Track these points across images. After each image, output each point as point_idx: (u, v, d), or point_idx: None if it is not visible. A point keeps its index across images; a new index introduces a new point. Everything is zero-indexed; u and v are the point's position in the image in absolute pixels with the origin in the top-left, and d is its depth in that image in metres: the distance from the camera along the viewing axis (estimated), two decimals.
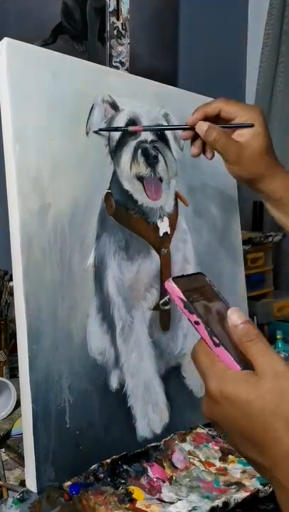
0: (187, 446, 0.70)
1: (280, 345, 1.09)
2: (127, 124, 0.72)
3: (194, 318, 0.45)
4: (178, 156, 0.79)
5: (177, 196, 0.78)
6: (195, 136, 0.68)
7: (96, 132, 0.68)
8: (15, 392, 0.82)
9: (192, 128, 0.66)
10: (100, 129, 0.68)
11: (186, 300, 0.46)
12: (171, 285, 0.47)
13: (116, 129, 0.70)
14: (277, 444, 0.40)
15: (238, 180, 0.69)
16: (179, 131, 0.79)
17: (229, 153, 0.64)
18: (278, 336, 1.11)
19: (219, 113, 0.65)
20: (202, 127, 0.64)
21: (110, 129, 0.69)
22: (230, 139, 0.64)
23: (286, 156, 1.57)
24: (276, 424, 0.40)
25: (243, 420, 0.41)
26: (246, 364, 0.43)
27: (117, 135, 0.71)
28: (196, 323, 0.45)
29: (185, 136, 0.68)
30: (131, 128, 0.70)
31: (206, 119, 0.65)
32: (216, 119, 0.65)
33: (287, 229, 0.70)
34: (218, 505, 0.59)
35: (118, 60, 1.13)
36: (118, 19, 1.11)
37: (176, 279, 0.47)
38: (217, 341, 0.44)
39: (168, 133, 0.77)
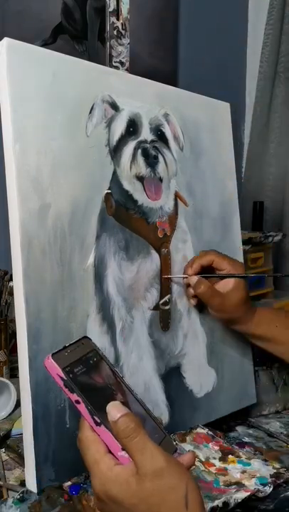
0: (187, 446, 0.71)
1: None
2: (127, 124, 0.72)
3: (75, 397, 0.44)
4: (178, 156, 0.79)
5: (177, 196, 0.78)
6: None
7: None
8: (15, 392, 0.82)
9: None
10: None
11: (65, 378, 0.45)
12: (50, 363, 0.45)
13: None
14: None
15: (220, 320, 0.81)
16: (179, 131, 0.80)
17: (213, 303, 0.76)
18: None
19: (212, 263, 0.77)
20: (192, 280, 0.75)
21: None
22: (214, 291, 0.75)
23: (286, 157, 1.58)
24: None
25: None
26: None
27: (117, 135, 0.71)
28: (77, 402, 0.44)
29: (186, 282, 0.78)
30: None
31: (201, 267, 0.76)
32: (208, 268, 0.77)
33: (284, 357, 0.80)
34: (218, 505, 0.59)
35: (118, 60, 1.13)
36: (118, 19, 1.11)
37: (56, 355, 0.46)
38: (98, 420, 0.44)
39: (168, 133, 0.77)
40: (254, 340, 0.81)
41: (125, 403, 0.47)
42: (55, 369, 0.45)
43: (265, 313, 0.80)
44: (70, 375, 0.45)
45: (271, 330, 0.78)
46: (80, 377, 0.45)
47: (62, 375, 0.45)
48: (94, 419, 0.44)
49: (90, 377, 0.46)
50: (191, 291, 0.77)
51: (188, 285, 0.77)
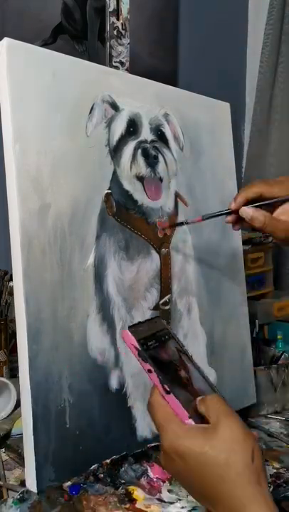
0: None
1: (280, 346, 1.09)
2: (127, 124, 0.72)
3: (147, 366, 0.48)
4: (178, 156, 0.79)
5: (177, 196, 0.78)
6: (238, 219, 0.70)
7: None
8: (15, 392, 0.82)
9: (236, 212, 0.68)
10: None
11: (140, 349, 0.48)
12: (127, 334, 0.49)
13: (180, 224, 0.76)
14: (231, 495, 0.42)
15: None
16: (179, 131, 0.80)
17: (278, 233, 0.66)
18: (278, 336, 1.11)
19: (260, 195, 0.67)
20: (247, 213, 0.66)
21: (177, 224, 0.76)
22: (275, 220, 0.66)
23: (286, 157, 1.57)
24: (229, 475, 0.42)
25: (198, 472, 0.43)
26: (198, 413, 0.46)
27: (117, 135, 0.71)
28: (149, 371, 0.48)
29: (229, 220, 0.70)
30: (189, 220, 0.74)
31: (247, 201, 0.67)
32: (257, 200, 0.67)
33: None
34: None
35: (118, 60, 1.13)
36: (118, 19, 1.11)
37: (132, 328, 0.50)
38: (168, 389, 0.47)
39: (168, 133, 0.77)
40: None
41: (189, 379, 0.50)
42: (131, 339, 0.49)
43: None
44: (144, 346, 0.49)
45: None
46: (152, 350, 0.49)
47: (137, 345, 0.48)
48: (164, 387, 0.47)
49: (161, 351, 0.50)
50: (235, 227, 0.70)
51: (235, 222, 0.70)
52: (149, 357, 0.48)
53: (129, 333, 0.49)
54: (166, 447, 0.45)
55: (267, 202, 0.67)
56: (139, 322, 0.52)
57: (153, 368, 0.48)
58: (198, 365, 0.52)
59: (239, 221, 0.69)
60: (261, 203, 0.67)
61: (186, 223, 0.74)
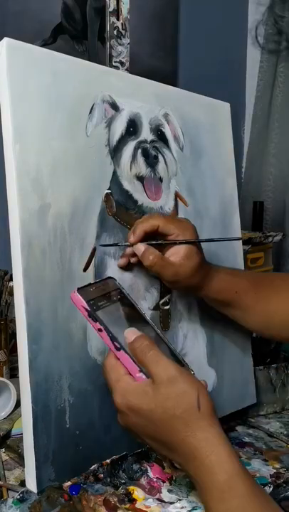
0: None
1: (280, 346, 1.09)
2: (127, 124, 0.72)
3: (97, 325, 0.50)
4: (178, 156, 0.79)
5: (177, 196, 0.78)
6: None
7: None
8: (15, 392, 0.82)
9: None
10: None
11: (89, 309, 0.50)
12: (75, 296, 0.51)
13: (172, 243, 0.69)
14: (183, 444, 0.46)
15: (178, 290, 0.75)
16: (179, 131, 0.80)
17: (166, 275, 0.66)
18: None
19: (157, 228, 0.66)
20: (139, 250, 0.65)
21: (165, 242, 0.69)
22: (165, 261, 0.66)
23: (286, 157, 1.57)
24: (178, 426, 0.46)
25: (150, 427, 0.48)
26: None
27: (117, 135, 0.71)
28: (99, 330, 0.50)
29: (127, 254, 0.69)
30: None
31: (145, 234, 0.66)
32: (154, 233, 0.67)
33: (242, 322, 0.76)
34: None
35: (118, 60, 1.13)
36: (118, 19, 1.11)
37: (81, 289, 0.51)
38: (118, 345, 0.49)
39: (168, 133, 0.77)
40: (213, 305, 0.75)
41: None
42: (80, 301, 0.50)
43: (223, 277, 0.72)
44: (94, 307, 0.50)
45: (231, 295, 0.72)
46: (104, 309, 0.51)
47: (86, 306, 0.50)
48: (114, 344, 0.49)
49: (113, 310, 0.52)
50: (132, 260, 0.68)
51: (130, 256, 0.69)
52: (101, 316, 0.50)
53: (78, 295, 0.50)
54: (118, 404, 0.49)
55: (158, 242, 0.66)
56: (90, 284, 0.54)
57: (103, 327, 0.49)
58: (152, 323, 0.55)
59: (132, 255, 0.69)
60: (153, 242, 0.66)
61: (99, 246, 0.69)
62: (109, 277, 0.55)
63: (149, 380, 0.48)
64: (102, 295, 0.52)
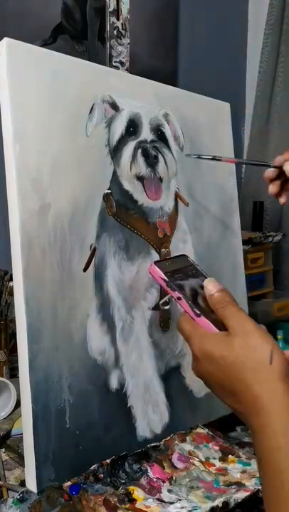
0: (187, 446, 0.70)
1: (280, 345, 1.09)
2: (127, 124, 0.72)
3: (176, 294, 0.51)
4: (178, 156, 0.79)
5: (177, 196, 0.78)
6: (277, 176, 0.69)
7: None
8: (15, 392, 0.82)
9: (279, 167, 0.67)
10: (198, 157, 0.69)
11: (167, 280, 0.51)
12: (153, 268, 0.52)
13: (213, 158, 0.72)
14: (247, 391, 0.46)
15: None
16: (179, 131, 0.80)
17: None
18: (279, 336, 1.11)
19: None
20: None
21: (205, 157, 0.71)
22: None
23: None
24: (246, 375, 0.46)
25: (219, 373, 0.48)
26: (224, 328, 0.48)
27: (117, 135, 0.71)
28: (179, 298, 0.51)
29: (268, 175, 0.70)
30: (223, 158, 0.71)
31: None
32: None
33: None
34: (218, 505, 0.59)
35: (118, 60, 1.13)
36: (118, 19, 1.11)
37: (158, 263, 0.53)
38: (198, 312, 0.50)
39: (168, 133, 0.77)
40: None
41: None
42: (158, 273, 0.52)
43: None
44: (172, 278, 0.51)
45: None
46: (179, 281, 0.52)
47: (164, 276, 0.51)
48: (194, 311, 0.50)
49: (188, 282, 0.52)
50: (277, 184, 0.68)
51: (272, 179, 0.69)
52: (178, 286, 0.51)
53: (156, 267, 0.52)
54: (194, 350, 0.49)
55: (209, 156, 0.67)
56: (165, 258, 0.56)
57: (182, 295, 0.50)
58: None
59: (279, 178, 0.68)
60: (204, 156, 0.66)
61: (218, 159, 0.71)
62: (183, 254, 0.56)
63: (225, 332, 0.49)
64: (177, 269, 0.53)
